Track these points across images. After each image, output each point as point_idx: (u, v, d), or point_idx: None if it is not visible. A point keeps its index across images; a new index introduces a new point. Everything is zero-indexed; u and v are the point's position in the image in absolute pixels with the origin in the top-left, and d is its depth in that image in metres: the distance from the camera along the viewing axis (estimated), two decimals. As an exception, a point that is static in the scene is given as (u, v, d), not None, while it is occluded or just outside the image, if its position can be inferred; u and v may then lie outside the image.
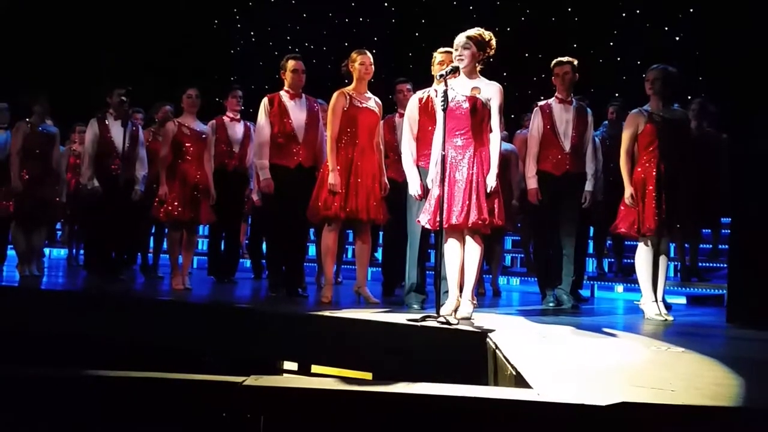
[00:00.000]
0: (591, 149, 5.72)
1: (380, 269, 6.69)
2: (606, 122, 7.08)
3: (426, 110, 4.94)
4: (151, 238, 7.71)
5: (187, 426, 2.56)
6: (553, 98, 5.72)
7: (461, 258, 4.39)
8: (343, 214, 5.06)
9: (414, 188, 4.80)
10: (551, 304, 5.61)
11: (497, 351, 3.40)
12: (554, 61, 5.72)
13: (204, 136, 6.17)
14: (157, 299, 5.72)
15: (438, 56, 4.95)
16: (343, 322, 4.44)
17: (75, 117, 8.34)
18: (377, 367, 4.23)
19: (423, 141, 4.92)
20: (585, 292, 6.78)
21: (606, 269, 7.76)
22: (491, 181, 4.29)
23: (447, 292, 4.48)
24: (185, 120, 6.14)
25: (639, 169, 5.08)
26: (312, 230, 6.70)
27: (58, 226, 9.60)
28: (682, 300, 6.95)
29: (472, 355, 3.78)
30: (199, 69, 11.30)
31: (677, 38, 10.07)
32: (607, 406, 2.24)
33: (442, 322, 4.06)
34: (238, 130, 6.88)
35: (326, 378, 4.25)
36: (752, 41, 5.01)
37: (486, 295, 6.54)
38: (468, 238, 4.38)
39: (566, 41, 9.47)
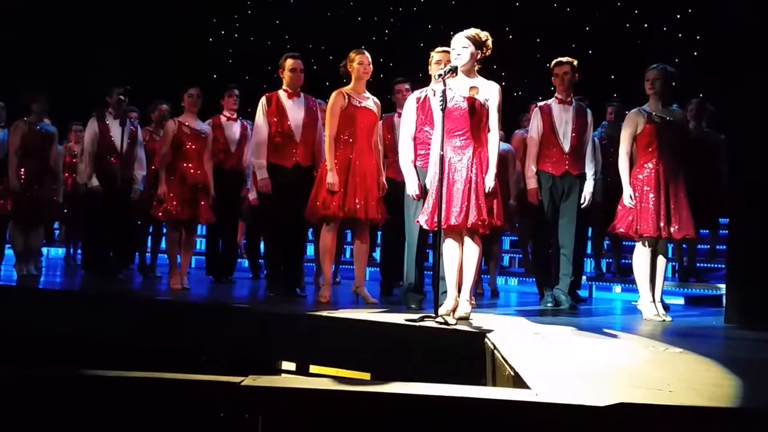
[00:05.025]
0: (590, 149, 5.71)
1: (378, 269, 6.69)
2: (605, 122, 7.08)
3: (423, 110, 4.94)
4: (149, 238, 7.70)
5: (185, 426, 2.55)
6: (553, 99, 5.72)
7: (459, 258, 4.38)
8: (341, 213, 5.06)
9: (411, 188, 4.80)
10: (549, 305, 5.61)
11: (495, 351, 3.40)
12: (554, 62, 5.71)
13: (204, 135, 6.16)
14: (155, 299, 5.71)
15: (435, 56, 4.94)
16: (342, 322, 4.44)
17: (71, 116, 8.32)
18: (375, 367, 4.23)
19: (420, 141, 4.93)
20: (583, 293, 6.78)
21: (604, 269, 7.76)
22: (490, 182, 4.28)
23: (445, 292, 4.48)
24: (186, 119, 6.13)
25: (638, 170, 5.08)
26: (310, 230, 6.69)
27: (56, 225, 9.58)
28: (680, 300, 6.95)
29: (471, 356, 3.78)
30: (196, 68, 11.28)
31: (675, 40, 10.09)
32: (605, 406, 2.24)
33: (441, 323, 4.06)
34: (235, 129, 6.86)
35: (324, 378, 4.24)
36: (751, 41, 5.01)
37: (484, 296, 6.53)
38: (467, 239, 4.38)
39: (565, 41, 9.46)
